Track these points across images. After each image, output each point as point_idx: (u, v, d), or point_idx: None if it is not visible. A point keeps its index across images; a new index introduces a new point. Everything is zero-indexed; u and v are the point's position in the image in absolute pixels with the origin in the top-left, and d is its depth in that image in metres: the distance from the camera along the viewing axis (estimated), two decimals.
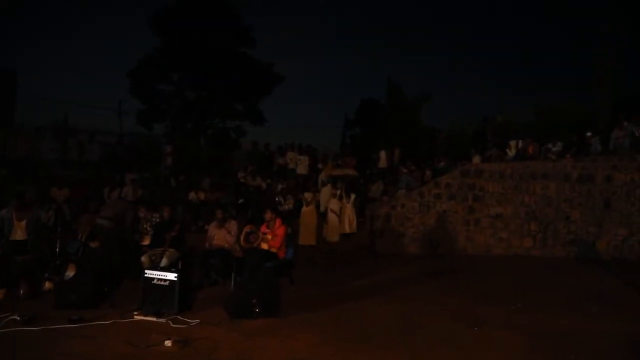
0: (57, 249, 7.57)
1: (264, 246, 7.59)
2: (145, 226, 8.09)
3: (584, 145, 12.06)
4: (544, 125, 15.26)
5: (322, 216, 12.39)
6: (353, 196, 12.36)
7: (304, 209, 11.91)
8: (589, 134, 12.13)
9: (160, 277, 6.19)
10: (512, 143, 12.91)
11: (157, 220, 8.17)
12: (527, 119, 16.86)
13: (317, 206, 12.44)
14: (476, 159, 12.26)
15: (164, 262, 7.28)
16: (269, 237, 7.62)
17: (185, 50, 19.43)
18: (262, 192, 13.75)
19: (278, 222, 7.81)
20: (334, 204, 12.06)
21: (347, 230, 12.08)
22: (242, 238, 7.61)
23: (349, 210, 12.27)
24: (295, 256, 8.15)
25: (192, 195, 12.51)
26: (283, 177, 14.44)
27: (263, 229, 7.81)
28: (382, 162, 15.21)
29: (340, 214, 11.99)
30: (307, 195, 12.12)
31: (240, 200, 12.91)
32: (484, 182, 11.98)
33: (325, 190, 12.68)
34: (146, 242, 8.09)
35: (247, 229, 7.67)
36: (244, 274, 7.64)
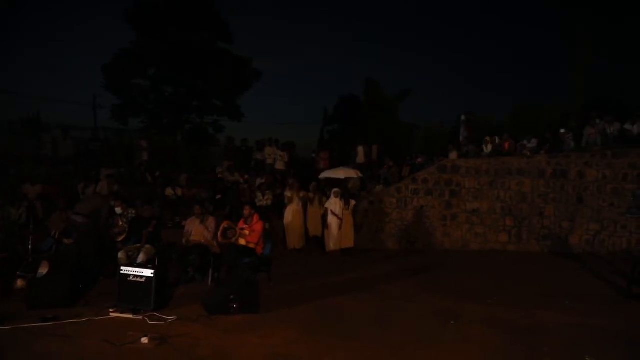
0: (30, 247, 7.37)
1: (242, 242, 7.55)
2: (121, 222, 7.94)
3: (558, 142, 12.31)
4: (521, 124, 15.55)
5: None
6: (353, 203, 11.12)
7: (287, 208, 11.16)
8: (562, 131, 12.40)
9: (136, 273, 6.10)
10: (489, 139, 13.09)
11: (133, 216, 8.04)
12: (503, 118, 17.19)
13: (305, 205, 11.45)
14: (453, 155, 12.41)
15: (140, 258, 7.19)
16: (247, 232, 7.59)
17: (162, 45, 19.13)
18: (240, 187, 13.65)
19: (256, 217, 7.78)
20: (336, 205, 10.60)
21: (345, 244, 10.75)
22: (219, 234, 7.55)
23: (348, 218, 10.84)
24: (273, 252, 8.12)
25: (169, 191, 12.34)
26: (262, 172, 14.37)
27: (241, 224, 7.77)
28: (360, 157, 15.25)
29: (342, 218, 10.59)
30: (289, 193, 11.23)
31: (218, 196, 12.78)
32: (461, 177, 12.16)
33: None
34: (122, 238, 7.95)
35: (224, 224, 7.60)
36: (221, 270, 7.64)
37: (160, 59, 19.54)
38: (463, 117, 15.83)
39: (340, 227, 10.46)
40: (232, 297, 5.99)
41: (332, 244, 10.51)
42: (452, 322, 5.97)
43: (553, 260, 10.69)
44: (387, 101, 18.96)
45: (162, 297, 6.23)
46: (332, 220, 10.45)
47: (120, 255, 7.22)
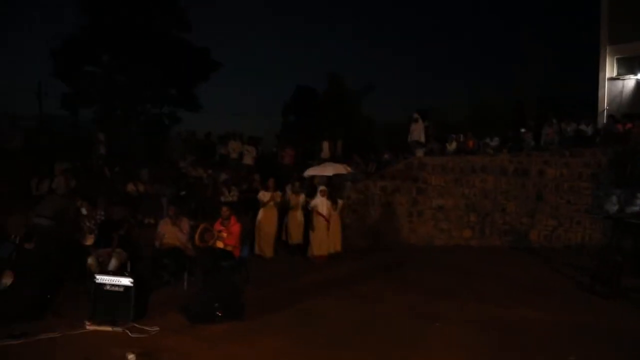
0: None
1: (220, 244, 7.31)
2: (88, 224, 7.47)
3: (518, 140, 12.77)
4: (480, 121, 16.01)
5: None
6: (341, 203, 10.31)
7: (262, 210, 9.96)
8: (523, 130, 12.87)
9: (113, 282, 5.75)
10: (454, 137, 13.38)
11: (102, 217, 7.59)
12: (462, 114, 17.62)
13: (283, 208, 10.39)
14: (419, 153, 12.60)
15: (112, 264, 6.80)
16: (225, 235, 7.35)
17: (116, 30, 18.13)
18: (204, 183, 13.26)
19: (233, 219, 7.55)
20: (323, 205, 9.60)
21: (333, 248, 9.85)
22: (197, 237, 7.28)
23: (335, 220, 9.96)
24: (250, 254, 7.93)
25: (130, 187, 11.78)
26: (225, 167, 14.02)
27: (217, 226, 7.51)
28: (325, 152, 15.17)
29: (329, 220, 9.67)
30: (263, 195, 9.94)
31: (182, 192, 12.35)
32: (427, 175, 12.37)
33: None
34: (89, 241, 7.49)
35: (202, 227, 7.33)
36: (197, 274, 7.36)
37: (113, 46, 18.53)
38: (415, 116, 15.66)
39: (327, 229, 9.59)
40: (216, 304, 5.78)
41: (317, 249, 9.49)
42: (437, 324, 6.04)
43: (515, 255, 11.11)
44: (349, 96, 18.94)
45: (141, 307, 5.91)
46: (318, 222, 9.51)
47: (90, 261, 6.80)
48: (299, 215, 10.09)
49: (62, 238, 7.17)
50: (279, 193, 10.20)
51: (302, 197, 10.14)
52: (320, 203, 9.63)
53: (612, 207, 7.74)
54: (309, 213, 9.84)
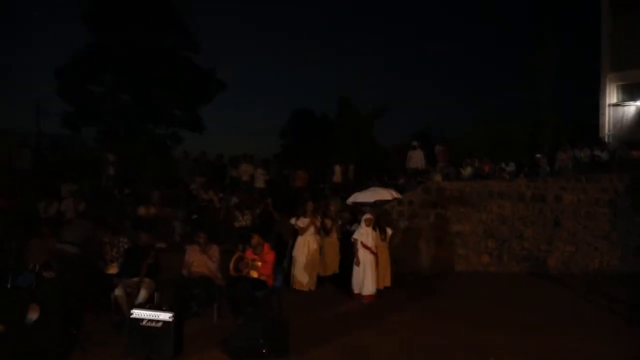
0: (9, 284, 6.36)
1: (254, 274, 6.99)
2: (111, 252, 7.10)
3: (534, 165, 12.72)
4: (495, 146, 16.00)
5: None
6: (390, 232, 9.30)
7: (300, 239, 8.97)
8: (538, 155, 12.83)
9: (151, 317, 5.40)
10: (469, 161, 13.29)
11: (126, 245, 7.22)
12: (475, 138, 17.63)
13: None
14: (437, 177, 12.45)
15: (142, 295, 6.43)
16: (259, 264, 7.04)
17: (120, 50, 17.91)
18: (216, 207, 12.93)
19: (266, 247, 7.26)
20: (368, 236, 8.42)
21: (383, 284, 8.89)
22: (231, 266, 6.95)
23: (384, 252, 8.99)
24: (283, 284, 7.61)
25: (141, 210, 11.40)
26: (236, 190, 13.72)
27: (250, 254, 7.20)
28: (337, 176, 14.99)
29: (376, 252, 8.55)
30: (301, 222, 8.94)
31: (194, 216, 12.01)
32: (445, 200, 12.20)
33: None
34: (112, 270, 7.11)
35: (236, 256, 7.01)
36: (229, 305, 7.02)
37: (118, 65, 18.27)
38: (413, 142, 15.37)
39: (376, 264, 8.50)
40: (260, 340, 5.45)
41: (363, 285, 8.33)
42: (491, 358, 5.78)
43: (536, 281, 10.90)
44: (361, 119, 18.86)
45: (179, 343, 5.55)
46: (364, 255, 8.32)
47: (117, 292, 6.42)
48: (334, 242, 9.38)
49: (86, 266, 6.75)
50: (318, 218, 9.19)
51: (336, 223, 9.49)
52: (366, 234, 8.42)
53: None
54: (346, 241, 9.09)
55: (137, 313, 5.46)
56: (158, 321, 5.38)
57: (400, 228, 11.96)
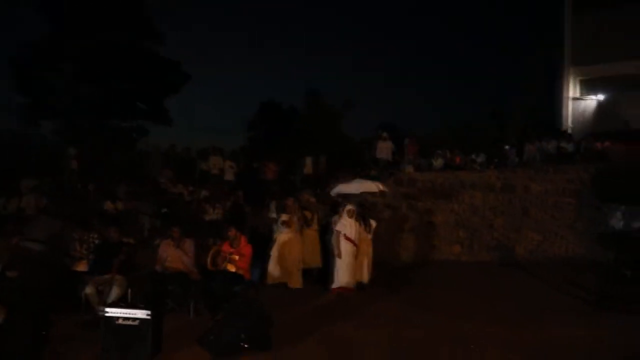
0: None
1: (231, 268, 6.81)
2: (81, 249, 6.75)
3: (503, 157, 12.97)
4: (464, 139, 16.25)
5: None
6: (374, 224, 8.98)
7: (281, 235, 8.56)
8: (507, 147, 13.09)
9: (127, 315, 5.14)
10: (440, 152, 13.43)
11: (96, 241, 6.88)
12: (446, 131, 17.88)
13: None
14: (409, 169, 12.53)
15: (114, 292, 6.15)
16: (236, 257, 6.85)
17: (81, 39, 17.10)
18: (186, 200, 12.60)
19: (243, 240, 7.08)
20: (351, 228, 8.21)
21: (364, 277, 8.56)
22: (209, 261, 6.73)
23: (368, 245, 8.72)
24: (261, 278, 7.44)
25: (108, 205, 10.97)
26: (206, 184, 13.41)
27: (226, 248, 7.00)
28: (308, 168, 14.87)
29: (358, 244, 8.33)
30: (285, 217, 8.58)
31: (164, 210, 11.65)
32: (417, 191, 12.31)
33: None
34: (81, 268, 6.77)
35: (214, 249, 6.80)
36: (205, 300, 6.81)
37: (78, 55, 17.45)
38: (383, 133, 15.44)
39: (356, 257, 8.27)
40: (242, 335, 5.29)
41: (344, 278, 8.11)
42: (472, 346, 5.80)
43: (508, 270, 11.09)
44: (329, 112, 18.77)
45: (157, 342, 5.31)
46: (346, 247, 8.10)
47: (89, 290, 6.12)
48: (314, 234, 9.02)
49: (53, 264, 6.40)
50: (299, 212, 8.81)
51: (316, 215, 9.14)
52: (348, 225, 8.18)
53: (618, 223, 7.84)
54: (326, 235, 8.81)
55: (111, 311, 5.19)
56: (135, 319, 5.13)
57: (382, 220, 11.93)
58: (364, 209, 9.04)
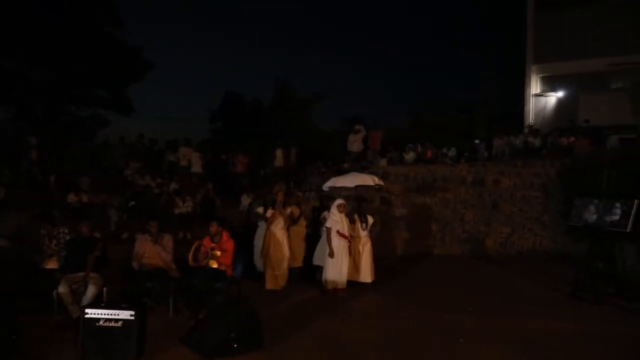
0: None
1: (213, 264, 6.54)
2: (50, 245, 6.29)
3: (473, 151, 13.18)
4: (434, 133, 16.40)
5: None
6: (371, 221, 8.42)
7: (268, 232, 7.91)
8: (477, 141, 13.31)
9: (109, 317, 4.81)
10: (411, 147, 13.50)
11: (68, 237, 6.44)
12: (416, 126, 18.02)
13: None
14: (383, 162, 12.52)
15: (90, 291, 5.77)
16: (218, 253, 6.59)
17: (33, 21, 16.03)
18: (154, 193, 12.11)
19: (225, 235, 6.81)
20: (343, 224, 7.70)
21: (365, 277, 8.02)
22: (190, 256, 6.43)
23: (365, 243, 8.16)
24: (243, 274, 7.20)
25: (71, 198, 10.38)
26: (174, 176, 12.95)
27: (207, 243, 6.72)
28: (279, 161, 14.63)
29: (351, 242, 7.85)
30: (268, 213, 7.95)
31: (131, 203, 11.15)
32: (390, 184, 12.31)
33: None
34: (52, 265, 6.32)
35: (195, 244, 6.51)
36: (185, 298, 6.53)
37: (30, 38, 16.36)
38: (356, 126, 15.39)
39: (350, 254, 7.79)
40: (232, 335, 5.07)
41: (338, 277, 7.63)
42: (460, 340, 5.82)
43: (481, 263, 11.28)
44: (298, 104, 18.49)
45: (141, 343, 5.01)
46: (339, 245, 7.59)
47: (62, 289, 5.70)
48: (301, 230, 8.60)
49: (20, 262, 5.93)
50: (286, 207, 8.21)
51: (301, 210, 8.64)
52: (340, 221, 7.66)
53: (591, 216, 8.08)
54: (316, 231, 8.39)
55: (91, 312, 4.84)
56: (117, 320, 4.81)
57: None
58: (361, 204, 8.59)
